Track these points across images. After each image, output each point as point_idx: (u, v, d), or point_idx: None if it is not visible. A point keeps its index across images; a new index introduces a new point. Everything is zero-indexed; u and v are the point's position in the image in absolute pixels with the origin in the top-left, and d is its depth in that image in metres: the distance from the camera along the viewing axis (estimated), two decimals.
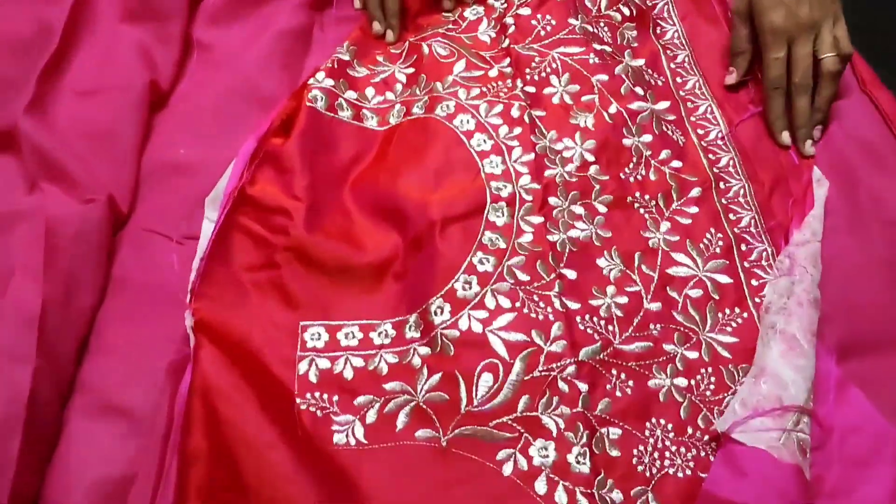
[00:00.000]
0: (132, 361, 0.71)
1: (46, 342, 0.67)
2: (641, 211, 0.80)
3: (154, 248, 0.79)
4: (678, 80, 0.93)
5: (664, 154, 0.83)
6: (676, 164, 0.83)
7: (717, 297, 0.75)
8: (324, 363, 0.70)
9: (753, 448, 0.64)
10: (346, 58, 0.90)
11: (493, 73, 0.88)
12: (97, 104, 0.82)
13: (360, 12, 0.97)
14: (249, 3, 0.95)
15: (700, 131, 0.87)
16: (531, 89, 0.86)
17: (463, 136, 0.82)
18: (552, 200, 0.78)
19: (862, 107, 0.92)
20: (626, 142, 0.84)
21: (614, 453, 0.66)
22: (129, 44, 0.86)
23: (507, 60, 0.88)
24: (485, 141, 0.82)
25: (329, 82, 0.86)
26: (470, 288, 0.72)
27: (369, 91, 0.89)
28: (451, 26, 0.94)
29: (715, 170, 0.83)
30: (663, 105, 0.88)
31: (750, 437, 0.64)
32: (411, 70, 0.91)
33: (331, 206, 0.80)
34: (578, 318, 0.71)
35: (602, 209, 0.79)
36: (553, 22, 0.91)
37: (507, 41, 0.90)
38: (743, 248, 0.78)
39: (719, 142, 0.86)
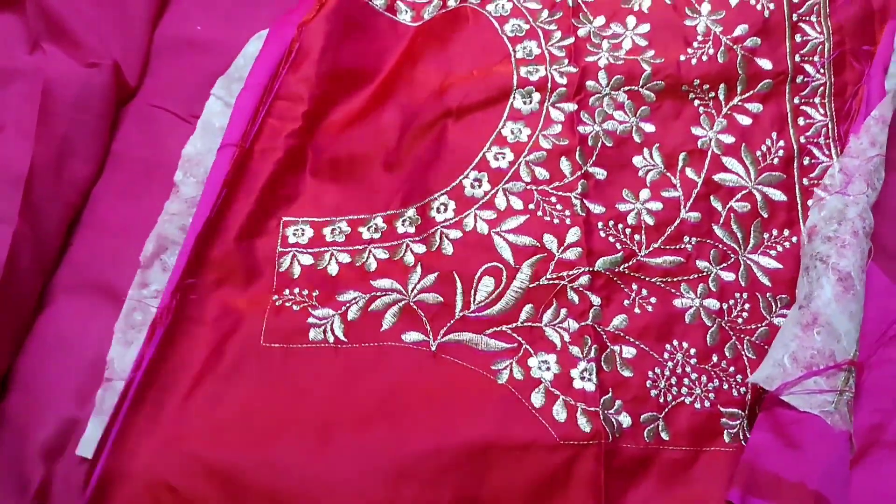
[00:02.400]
0: (125, 240, 0.67)
1: (32, 206, 0.63)
2: (696, 103, 0.69)
3: (159, 124, 0.74)
4: None
5: (740, 29, 0.71)
6: (754, 41, 0.71)
7: (765, 215, 0.65)
8: (307, 259, 0.64)
9: (805, 414, 0.54)
10: None
11: None
12: None
13: None
14: None
15: None
16: None
17: (496, 21, 0.74)
18: (590, 85, 0.69)
19: None
20: (690, 22, 0.73)
21: (626, 373, 0.58)
22: None
23: None
24: (519, 26, 0.73)
25: None
26: (479, 186, 0.65)
27: None
28: None
29: (797, 57, 0.71)
30: None
31: (802, 401, 0.54)
32: None
33: (342, 96, 0.72)
34: (600, 224, 0.63)
35: (650, 97, 0.69)
36: None
37: None
38: (806, 161, 0.67)
39: (812, 17, 0.72)
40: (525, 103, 0.68)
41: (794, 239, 0.64)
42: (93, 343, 0.62)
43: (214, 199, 0.63)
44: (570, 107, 0.68)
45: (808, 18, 0.72)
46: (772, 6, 0.71)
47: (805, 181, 0.66)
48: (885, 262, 0.63)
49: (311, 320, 0.60)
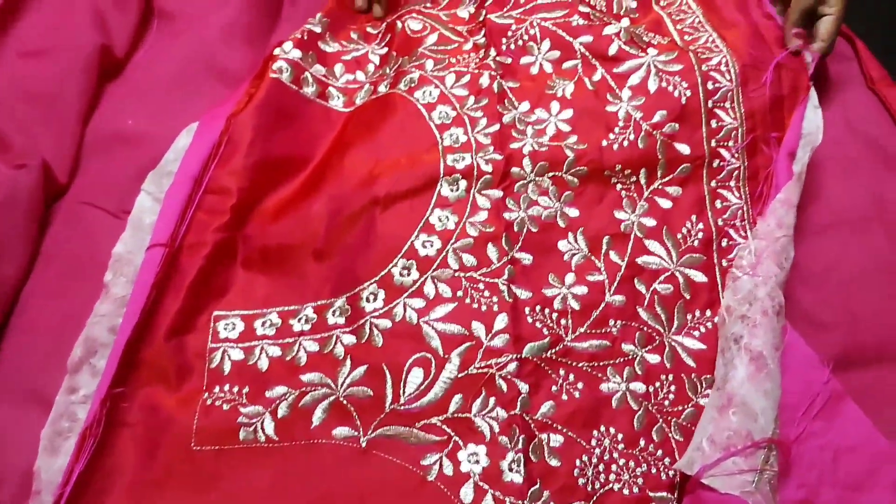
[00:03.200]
0: (55, 342, 0.65)
1: None
2: (618, 187, 0.71)
3: (90, 222, 0.73)
4: (686, 38, 0.81)
5: (659, 115, 0.73)
6: (672, 127, 0.73)
7: (687, 297, 0.66)
8: (237, 354, 0.63)
9: (727, 496, 0.54)
10: (318, 30, 0.84)
11: (467, 46, 0.81)
12: (42, 66, 0.78)
13: None
14: None
15: (710, 85, 0.75)
16: (506, 60, 0.79)
17: (423, 108, 0.75)
18: (515, 171, 0.71)
19: (868, 103, 0.83)
20: (611, 108, 0.75)
21: (554, 463, 0.58)
22: (83, 5, 0.82)
23: (483, 32, 0.81)
24: (447, 114, 0.75)
25: (296, 53, 0.80)
26: (408, 274, 0.65)
27: (338, 68, 0.83)
28: (428, 3, 0.88)
29: (714, 142, 0.73)
30: (668, 56, 0.77)
31: (723, 483, 0.55)
32: (385, 50, 0.84)
33: (273, 185, 0.73)
34: (527, 310, 0.63)
35: (573, 182, 0.71)
36: None
37: (484, 13, 0.83)
38: (724, 243, 0.69)
39: (727, 104, 0.74)
40: (452, 191, 0.70)
41: (716, 319, 0.65)
42: (23, 453, 0.59)
43: (143, 302, 0.63)
44: (496, 193, 0.69)
45: (722, 105, 0.74)
46: (688, 93, 0.74)
47: (724, 262, 0.68)
48: (807, 332, 0.65)
49: (241, 419, 0.60)
